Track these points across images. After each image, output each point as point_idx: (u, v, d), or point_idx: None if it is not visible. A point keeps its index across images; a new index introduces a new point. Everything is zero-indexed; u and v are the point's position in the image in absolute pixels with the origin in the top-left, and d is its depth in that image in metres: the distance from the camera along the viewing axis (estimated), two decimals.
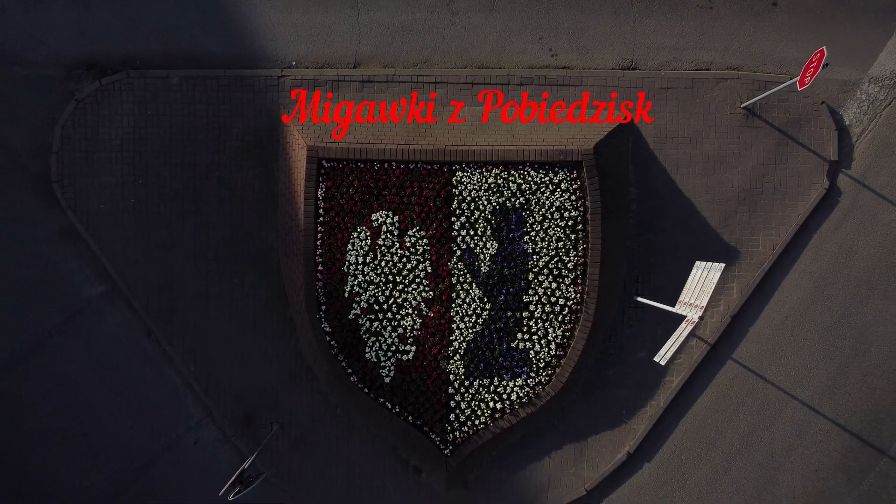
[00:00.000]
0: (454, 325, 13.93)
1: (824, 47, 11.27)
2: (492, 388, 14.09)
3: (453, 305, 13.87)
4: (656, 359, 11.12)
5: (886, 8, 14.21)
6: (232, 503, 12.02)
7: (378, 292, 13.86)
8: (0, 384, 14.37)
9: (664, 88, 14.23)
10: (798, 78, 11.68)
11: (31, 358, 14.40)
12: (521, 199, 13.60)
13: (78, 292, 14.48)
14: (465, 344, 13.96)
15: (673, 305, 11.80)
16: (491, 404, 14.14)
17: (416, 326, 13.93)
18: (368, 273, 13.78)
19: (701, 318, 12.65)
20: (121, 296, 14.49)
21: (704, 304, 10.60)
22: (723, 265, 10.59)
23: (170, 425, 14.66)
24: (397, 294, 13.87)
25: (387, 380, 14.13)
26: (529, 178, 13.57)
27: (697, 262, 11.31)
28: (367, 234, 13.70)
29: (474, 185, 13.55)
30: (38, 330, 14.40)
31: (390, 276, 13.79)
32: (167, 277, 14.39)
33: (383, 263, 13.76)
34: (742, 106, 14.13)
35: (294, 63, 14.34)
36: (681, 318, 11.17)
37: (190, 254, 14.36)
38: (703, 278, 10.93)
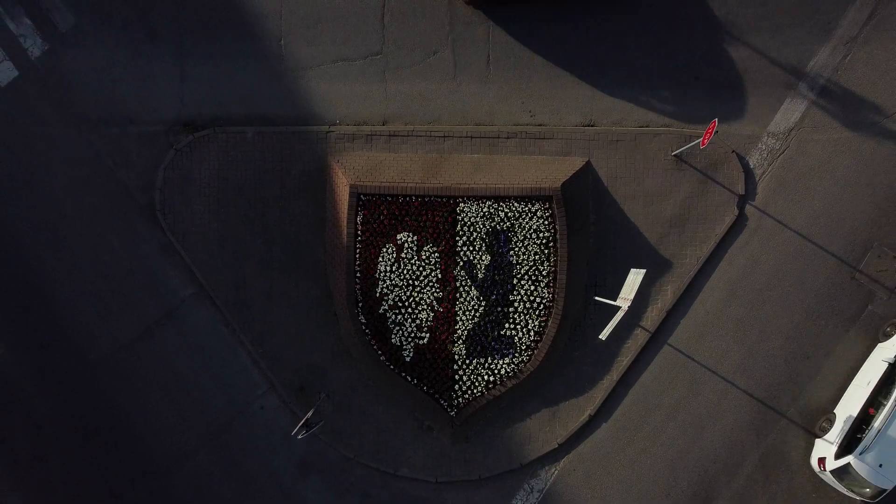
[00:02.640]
0: (458, 318, 18.66)
1: (716, 119, 16.13)
2: (486, 364, 18.79)
3: (457, 303, 18.60)
4: (601, 336, 15.85)
5: (779, 81, 19.06)
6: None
7: (401, 293, 18.60)
8: (118, 363, 19.05)
9: (615, 141, 19.06)
10: (701, 140, 16.53)
11: (140, 343, 19.09)
12: (508, 223, 18.40)
13: (174, 293, 19.19)
14: (466, 332, 18.67)
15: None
16: (485, 377, 18.83)
17: (429, 318, 18.65)
18: (394, 278, 18.53)
19: (630, 308, 17.41)
20: (206, 296, 19.19)
21: (632, 297, 15.32)
22: (644, 270, 15.32)
23: (242, 395, 19.31)
24: (415, 294, 18.61)
25: (407, 359, 18.83)
26: (514, 208, 18.37)
27: (631, 269, 16.02)
28: (393, 249, 18.48)
29: (473, 213, 18.35)
30: (145, 322, 19.11)
31: (410, 281, 18.54)
32: (241, 281, 19.10)
33: (405, 271, 18.52)
34: (673, 154, 18.95)
35: (338, 121, 19.17)
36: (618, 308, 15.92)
37: (258, 263, 19.09)
38: (634, 280, 15.66)
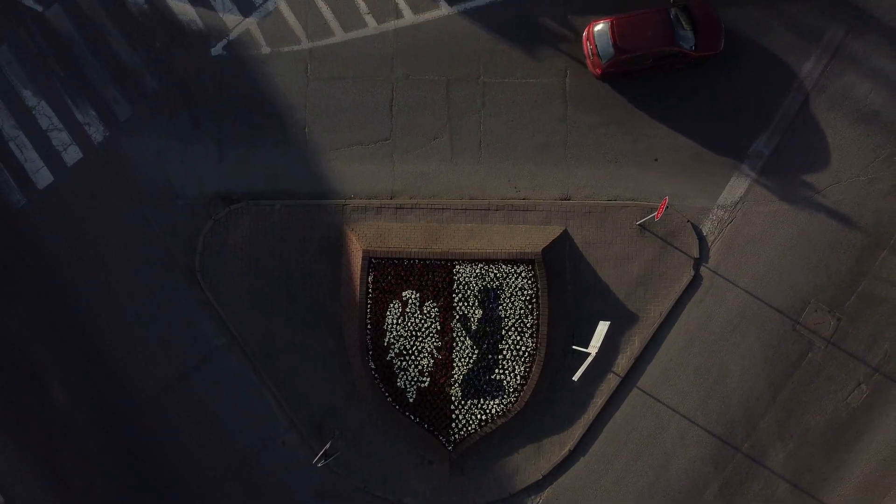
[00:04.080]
0: (454, 364, 21.70)
1: (667, 197, 19.56)
2: (479, 405, 21.74)
3: (454, 351, 21.67)
4: (574, 378, 18.89)
5: (726, 162, 22.52)
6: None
7: (405, 342, 21.68)
8: (158, 402, 22.00)
9: (587, 212, 22.43)
10: (655, 213, 19.92)
11: (178, 385, 22.08)
12: (497, 283, 21.62)
13: (209, 342, 22.26)
14: (461, 376, 21.68)
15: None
16: (479, 416, 21.75)
17: (430, 365, 21.69)
18: (399, 330, 21.63)
19: (603, 355, 20.49)
20: (237, 345, 22.25)
21: (599, 345, 18.41)
22: (609, 322, 18.46)
23: (266, 432, 22.18)
24: (418, 343, 21.69)
25: (411, 400, 21.79)
26: (502, 270, 21.63)
27: (600, 322, 19.13)
28: (399, 305, 21.64)
29: (467, 274, 21.59)
30: (183, 366, 22.14)
31: (414, 332, 21.65)
32: (268, 333, 22.19)
33: (409, 324, 21.64)
34: (637, 223, 22.29)
35: (352, 196, 22.58)
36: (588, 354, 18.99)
37: (283, 317, 22.22)
38: (601, 331, 18.76)
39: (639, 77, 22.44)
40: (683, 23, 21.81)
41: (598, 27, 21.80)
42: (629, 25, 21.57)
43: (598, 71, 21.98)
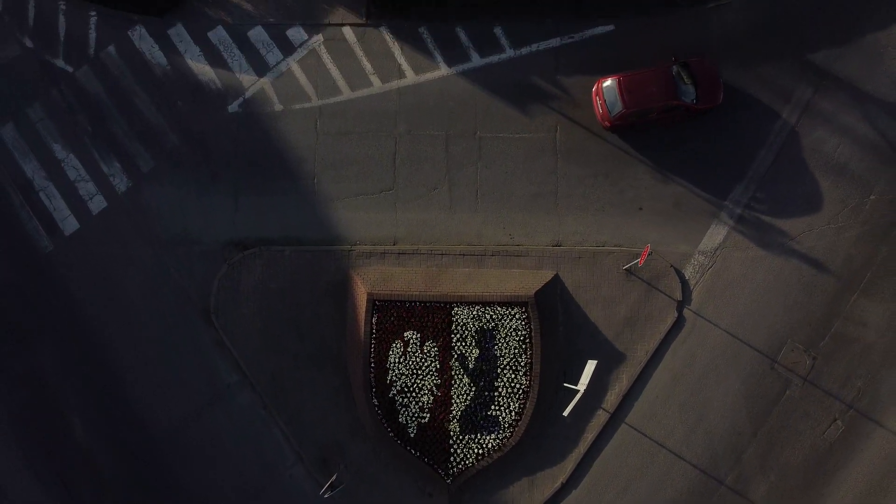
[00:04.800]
0: (453, 401, 23.06)
1: (649, 245, 21.18)
2: (476, 440, 23.03)
3: (452, 388, 23.05)
4: (564, 413, 20.24)
5: (705, 211, 24.19)
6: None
7: (407, 380, 23.08)
8: (174, 435, 23.32)
9: (577, 257, 24.03)
10: (639, 260, 21.51)
11: (193, 420, 23.41)
12: (493, 324, 23.12)
13: (222, 379, 23.66)
14: (459, 412, 23.02)
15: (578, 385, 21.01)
16: (476, 450, 23.03)
17: (430, 401, 23.05)
18: (401, 368, 23.05)
19: (593, 392, 21.87)
20: (248, 382, 23.65)
21: (587, 382, 19.82)
22: (596, 361, 19.89)
23: (275, 465, 23.44)
24: (419, 381, 23.09)
25: (412, 435, 23.09)
26: (498, 312, 23.14)
27: (588, 360, 20.56)
28: (401, 344, 23.10)
29: (465, 316, 23.10)
30: (198, 402, 23.50)
31: (415, 370, 23.06)
32: (277, 370, 23.60)
33: (410, 363, 23.07)
34: (623, 268, 23.87)
35: (358, 242, 24.21)
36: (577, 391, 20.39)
37: (292, 356, 23.65)
38: (589, 369, 20.18)
39: (643, 128, 24.11)
40: (685, 78, 23.60)
41: (607, 83, 23.62)
42: (635, 82, 23.36)
43: (608, 124, 23.76)
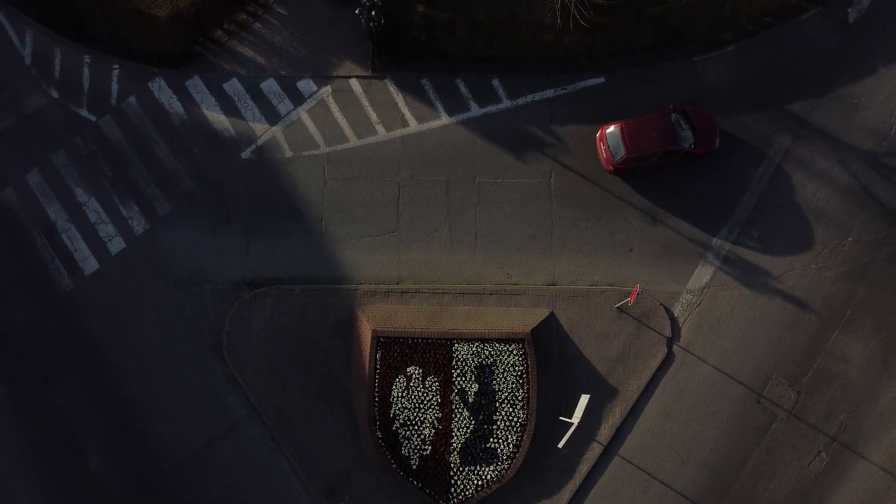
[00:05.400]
0: (453, 434, 24.11)
1: (638, 285, 22.48)
2: (476, 471, 24.03)
3: (453, 422, 24.12)
4: (559, 445, 21.30)
5: (692, 252, 25.52)
6: None
7: (409, 413, 24.15)
8: (186, 467, 24.29)
9: (572, 296, 25.29)
10: (629, 299, 22.79)
11: (204, 452, 24.41)
12: (491, 359, 24.29)
13: (233, 413, 24.72)
14: (460, 445, 24.06)
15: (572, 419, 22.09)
16: (475, 482, 24.01)
17: (431, 434, 24.10)
18: (404, 402, 24.14)
19: (587, 425, 22.96)
20: (257, 415, 24.70)
21: (580, 415, 20.91)
22: (589, 395, 21.01)
23: (283, 496, 24.37)
24: (421, 415, 24.16)
25: (414, 466, 24.09)
26: (496, 348, 24.33)
27: (581, 395, 21.68)
28: (404, 379, 24.23)
29: (465, 352, 24.28)
30: (209, 435, 24.53)
31: (417, 404, 24.15)
32: (285, 404, 24.66)
33: (413, 397, 24.18)
34: (615, 306, 25.13)
35: (363, 281, 25.46)
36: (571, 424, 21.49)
37: (300, 390, 24.73)
38: (582, 403, 21.30)
39: (644, 172, 25.52)
40: (683, 125, 25.10)
41: (610, 130, 25.12)
42: (637, 128, 24.85)
43: (611, 168, 25.22)
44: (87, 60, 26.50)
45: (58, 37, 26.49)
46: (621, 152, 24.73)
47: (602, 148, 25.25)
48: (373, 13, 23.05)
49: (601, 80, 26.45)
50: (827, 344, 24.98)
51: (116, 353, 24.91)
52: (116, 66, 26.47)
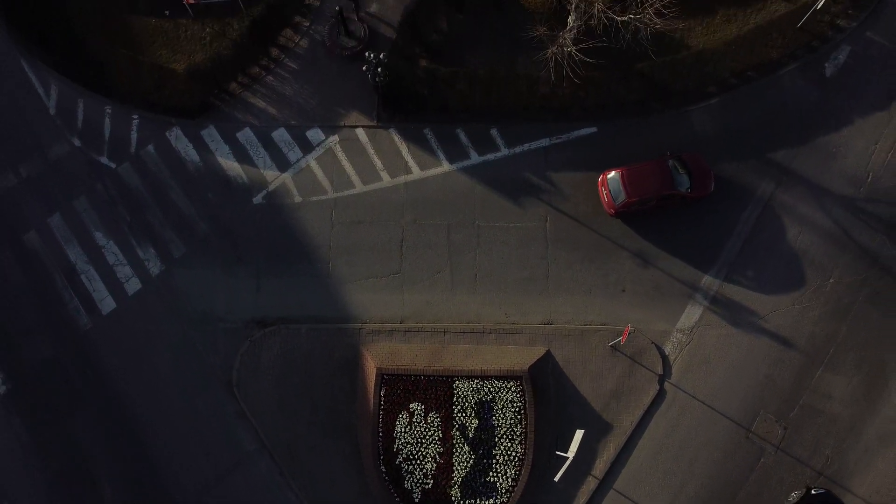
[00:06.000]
0: (454, 468, 25.08)
1: (629, 325, 23.71)
2: None
3: (454, 456, 25.11)
4: (555, 479, 22.30)
5: (682, 293, 26.80)
6: None
7: (412, 448, 25.16)
8: (197, 502, 25.19)
9: (567, 335, 26.49)
10: (621, 338, 23.99)
11: (215, 485, 25.35)
12: (491, 396, 25.39)
13: (242, 448, 25.71)
14: (460, 479, 25.02)
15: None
16: None
17: (433, 468, 25.07)
18: (407, 437, 25.16)
19: (582, 460, 23.96)
20: (266, 450, 25.68)
21: (575, 450, 21.94)
22: (584, 430, 22.06)
23: None
24: (423, 449, 25.16)
25: (416, 500, 25.01)
26: (495, 385, 25.44)
27: (577, 430, 22.71)
28: (407, 415, 25.29)
29: (465, 388, 25.39)
30: (219, 469, 25.49)
31: (419, 439, 25.17)
32: (293, 438, 25.67)
33: (415, 432, 25.21)
34: (609, 345, 26.31)
35: (367, 321, 26.68)
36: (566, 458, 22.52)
37: (307, 425, 25.75)
38: (577, 437, 22.34)
39: (644, 215, 26.81)
40: (680, 170, 26.52)
41: (611, 175, 26.54)
42: (636, 174, 26.25)
43: (612, 211, 26.60)
44: (109, 111, 28.09)
45: (81, 89, 28.10)
46: (622, 196, 26.12)
47: (603, 192, 26.65)
48: (379, 70, 24.65)
49: (593, 129, 28.02)
50: (811, 381, 26.10)
51: (130, 389, 26.00)
52: (136, 117, 28.06)
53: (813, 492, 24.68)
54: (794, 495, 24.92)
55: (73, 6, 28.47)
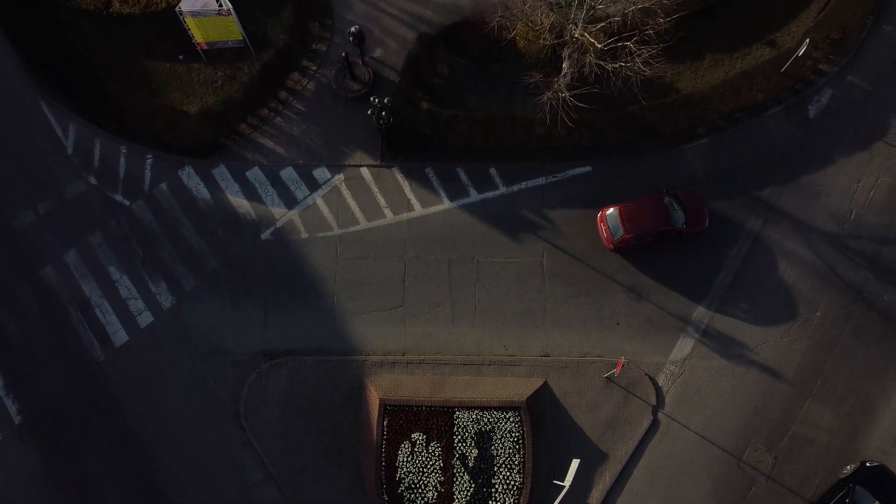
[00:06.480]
0: (455, 497, 25.86)
1: (623, 357, 24.70)
2: None
3: (454, 485, 25.91)
4: None
5: (674, 326, 27.79)
6: None
7: (414, 477, 25.96)
8: None
9: (563, 366, 27.44)
10: (615, 370, 24.97)
11: None
12: (490, 426, 26.26)
13: (249, 476, 26.50)
14: None
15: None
16: None
17: (434, 497, 25.85)
18: (409, 466, 25.98)
19: (579, 488, 24.77)
20: (272, 479, 26.49)
21: (571, 479, 22.75)
22: (579, 460, 22.89)
23: None
24: (424, 478, 25.97)
25: None
26: (494, 416, 26.33)
27: (573, 459, 23.55)
28: (409, 444, 26.14)
29: (465, 419, 26.27)
30: (227, 498, 26.26)
31: (421, 468, 25.98)
32: (299, 467, 26.47)
33: (417, 461, 26.03)
34: (604, 376, 27.24)
35: (371, 353, 27.66)
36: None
37: (312, 454, 26.59)
38: (573, 467, 23.18)
39: (641, 250, 27.86)
40: (676, 206, 27.68)
41: (610, 212, 27.68)
42: (633, 210, 27.37)
43: (611, 246, 27.70)
44: (124, 151, 29.36)
45: (98, 129, 29.42)
46: (620, 232, 27.26)
47: (602, 228, 27.79)
48: (383, 113, 25.96)
49: (588, 168, 29.27)
50: (800, 411, 26.98)
51: (142, 419, 26.87)
52: (150, 156, 29.32)
53: (868, 465, 25.40)
54: (849, 468, 25.54)
55: (92, 52, 29.88)
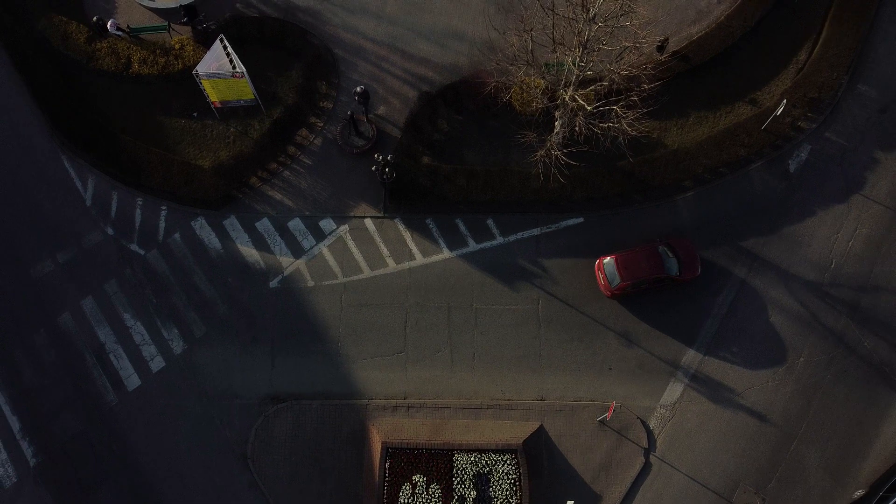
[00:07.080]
0: None
1: (615, 401, 25.84)
2: None
3: None
4: None
5: (664, 370, 28.98)
6: None
7: None
8: None
9: (558, 410, 28.55)
10: (607, 414, 26.10)
11: None
12: (488, 468, 27.27)
13: None
14: None
15: None
16: None
17: None
18: None
19: None
20: None
21: None
22: (572, 501, 23.91)
23: None
24: None
25: None
26: (492, 458, 27.35)
27: (568, 501, 24.54)
28: (410, 486, 27.11)
29: (464, 461, 27.29)
30: None
31: None
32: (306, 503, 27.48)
33: (418, 502, 26.96)
34: (598, 420, 28.34)
35: (373, 397, 28.80)
36: None
37: (316, 495, 27.51)
38: None
39: (637, 296, 29.17)
40: (669, 254, 29.07)
41: (606, 260, 29.08)
42: (629, 259, 28.79)
43: (609, 293, 29.03)
44: (140, 202, 30.91)
45: (116, 183, 31.03)
46: (617, 280, 28.63)
47: (600, 276, 29.17)
48: (386, 169, 27.57)
49: (580, 219, 30.79)
50: (787, 453, 28.01)
51: (152, 461, 27.88)
52: (164, 208, 30.86)
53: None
54: (859, 493, 26.53)
55: (112, 109, 31.66)
